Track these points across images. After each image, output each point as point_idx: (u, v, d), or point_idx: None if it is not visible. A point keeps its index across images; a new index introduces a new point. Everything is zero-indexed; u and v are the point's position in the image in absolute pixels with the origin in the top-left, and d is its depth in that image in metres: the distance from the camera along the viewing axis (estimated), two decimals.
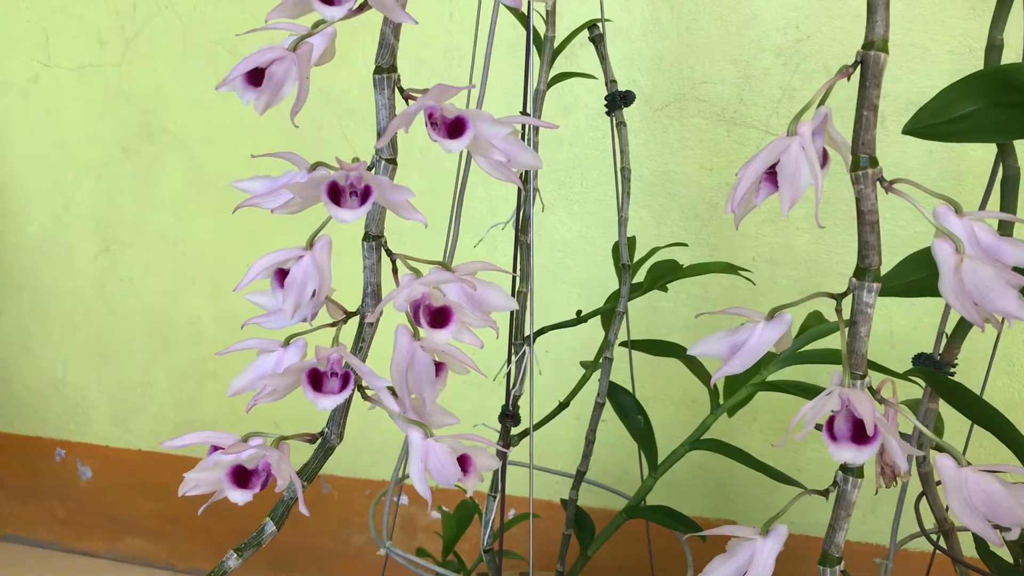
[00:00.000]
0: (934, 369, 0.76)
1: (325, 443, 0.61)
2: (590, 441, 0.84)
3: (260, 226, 1.37)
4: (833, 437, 0.50)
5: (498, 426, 0.86)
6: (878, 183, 0.53)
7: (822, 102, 0.54)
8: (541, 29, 0.86)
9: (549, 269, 1.27)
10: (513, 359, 0.85)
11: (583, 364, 0.92)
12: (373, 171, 0.57)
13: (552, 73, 0.86)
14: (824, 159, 0.56)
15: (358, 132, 1.33)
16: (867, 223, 0.53)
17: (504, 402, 0.86)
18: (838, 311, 0.55)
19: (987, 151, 1.14)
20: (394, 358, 0.59)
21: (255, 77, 0.55)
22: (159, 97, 1.44)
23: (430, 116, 0.51)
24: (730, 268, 0.84)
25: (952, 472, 0.52)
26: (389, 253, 0.60)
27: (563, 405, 0.88)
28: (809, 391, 0.86)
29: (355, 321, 0.62)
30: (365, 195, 0.51)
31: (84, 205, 1.51)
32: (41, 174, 1.52)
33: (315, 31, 0.57)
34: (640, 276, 0.91)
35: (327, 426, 0.60)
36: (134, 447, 1.55)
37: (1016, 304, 0.48)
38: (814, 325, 0.90)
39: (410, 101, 0.56)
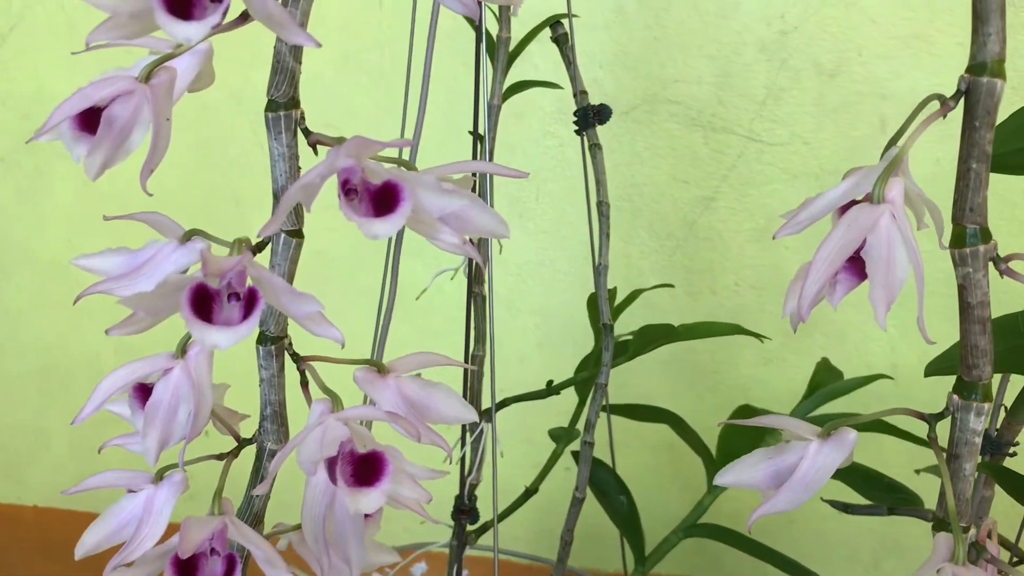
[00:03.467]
0: (992, 451, 0.62)
1: None
2: (567, 542, 0.68)
3: None
4: None
5: (451, 521, 0.70)
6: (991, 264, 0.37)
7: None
8: (492, 28, 0.69)
9: (503, 297, 1.11)
10: (469, 440, 0.69)
11: (552, 434, 0.76)
12: (269, 248, 0.40)
13: (508, 82, 0.70)
14: None
15: None
16: (976, 320, 0.38)
17: (459, 491, 0.70)
18: (932, 439, 0.39)
19: None
20: (306, 499, 0.43)
21: (89, 121, 0.38)
22: (41, 101, 1.27)
23: (345, 183, 0.34)
24: (739, 330, 0.68)
25: None
26: (296, 358, 0.43)
27: (530, 492, 0.72)
28: None
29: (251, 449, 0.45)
30: (251, 302, 0.34)
31: None
32: None
33: (178, 51, 0.39)
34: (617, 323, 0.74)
35: None
36: (28, 503, 1.40)
37: None
38: (826, 383, 0.75)
39: (320, 150, 0.39)
